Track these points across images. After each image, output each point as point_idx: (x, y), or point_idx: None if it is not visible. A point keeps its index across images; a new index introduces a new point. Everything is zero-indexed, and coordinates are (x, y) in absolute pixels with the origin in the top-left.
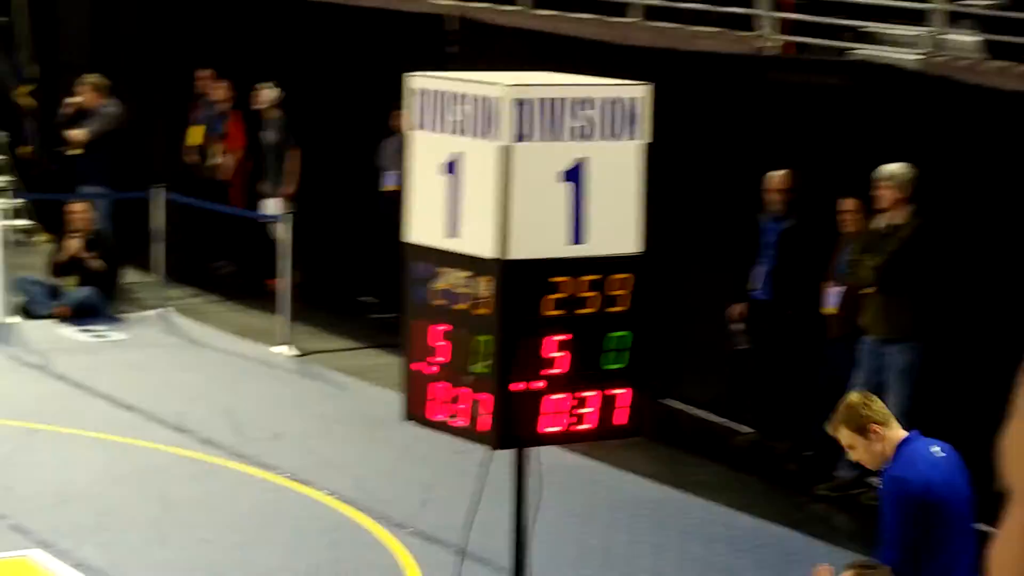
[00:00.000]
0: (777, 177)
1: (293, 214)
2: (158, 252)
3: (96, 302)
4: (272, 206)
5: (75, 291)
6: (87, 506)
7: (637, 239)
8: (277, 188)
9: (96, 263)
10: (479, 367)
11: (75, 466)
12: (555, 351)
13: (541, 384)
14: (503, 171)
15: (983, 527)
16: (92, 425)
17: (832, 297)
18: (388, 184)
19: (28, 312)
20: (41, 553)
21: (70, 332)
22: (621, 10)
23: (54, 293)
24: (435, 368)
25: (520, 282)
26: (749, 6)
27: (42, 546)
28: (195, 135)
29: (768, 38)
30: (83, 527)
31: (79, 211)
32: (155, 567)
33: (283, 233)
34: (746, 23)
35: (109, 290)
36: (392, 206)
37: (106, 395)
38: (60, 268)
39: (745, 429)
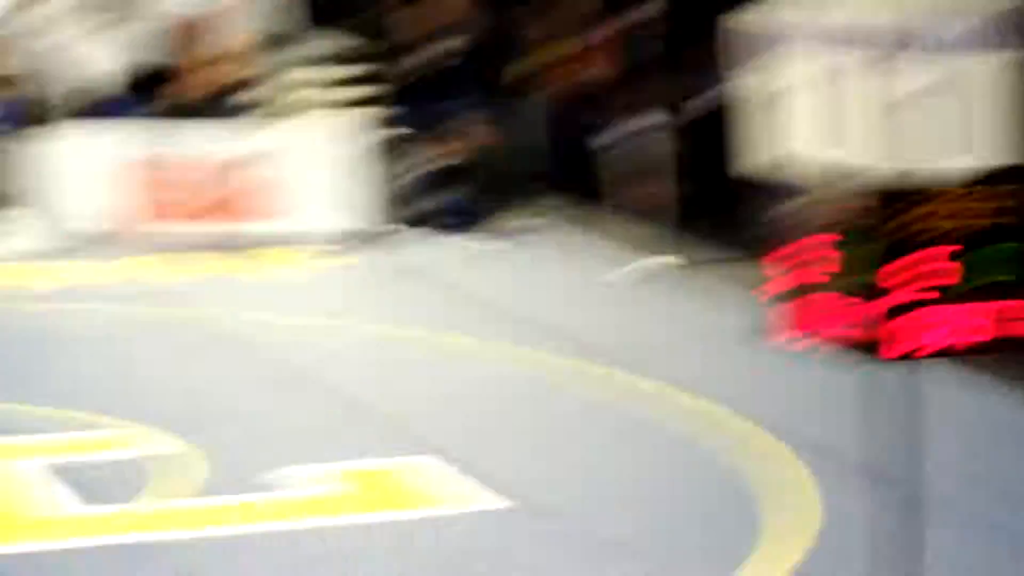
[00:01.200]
0: None
1: (673, 124)
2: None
3: (475, 213)
4: (654, 116)
5: (455, 201)
6: (465, 415)
7: (1019, 150)
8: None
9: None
10: (863, 279)
11: (455, 376)
12: (941, 263)
13: (929, 296)
14: (886, 83)
15: None
16: (471, 335)
17: None
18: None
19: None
20: (432, 459)
21: (444, 241)
22: None
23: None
24: (817, 279)
25: (904, 194)
26: None
27: (433, 452)
28: (567, 44)
29: None
30: (471, 435)
31: (468, 127)
32: (538, 474)
33: (663, 144)
34: None
35: (491, 201)
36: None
37: (484, 305)
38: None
39: None
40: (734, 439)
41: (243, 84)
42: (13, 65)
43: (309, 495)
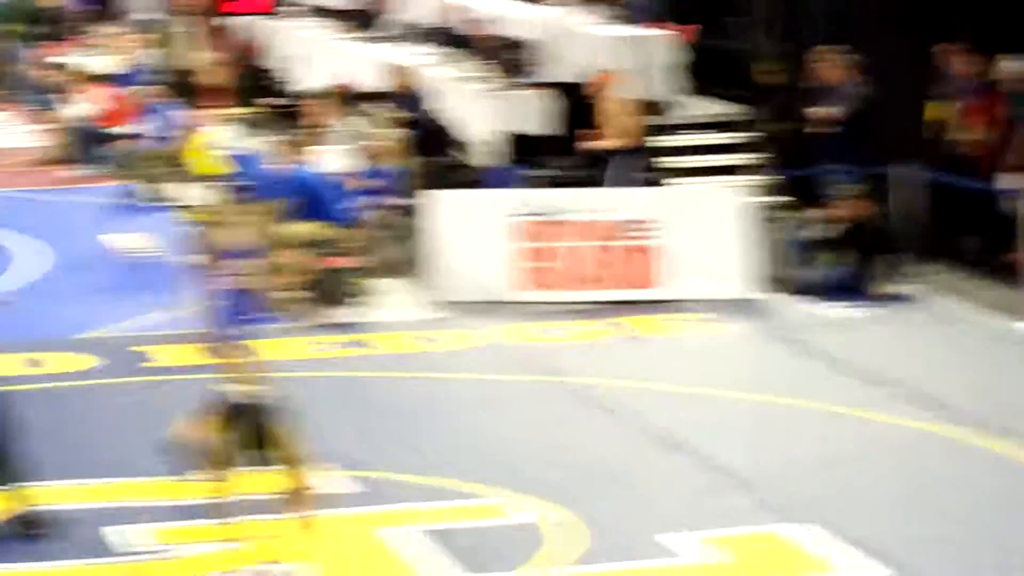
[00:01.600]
0: None
1: None
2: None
3: (852, 280)
4: (1008, 180)
5: (831, 268)
6: (839, 481)
7: None
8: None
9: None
10: None
11: (828, 442)
12: None
13: None
14: None
15: None
16: (844, 401)
17: None
18: None
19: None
20: (790, 527)
21: (821, 308)
22: None
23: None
24: None
25: None
26: None
27: (791, 520)
28: (939, 110)
29: None
30: (836, 502)
31: (847, 194)
32: (906, 542)
33: (1021, 207)
34: None
35: (868, 268)
36: None
37: (858, 371)
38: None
39: None
40: None
41: (627, 150)
42: (394, 135)
43: (690, 563)
